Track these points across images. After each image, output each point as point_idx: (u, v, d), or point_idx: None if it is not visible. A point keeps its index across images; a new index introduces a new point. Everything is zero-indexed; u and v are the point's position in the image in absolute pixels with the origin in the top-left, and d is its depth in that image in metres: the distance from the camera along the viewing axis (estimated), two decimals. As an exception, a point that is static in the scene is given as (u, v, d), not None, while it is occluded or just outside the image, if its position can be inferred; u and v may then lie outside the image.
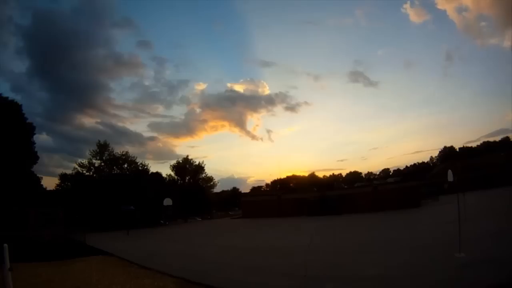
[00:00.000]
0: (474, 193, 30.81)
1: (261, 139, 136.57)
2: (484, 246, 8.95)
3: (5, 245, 5.65)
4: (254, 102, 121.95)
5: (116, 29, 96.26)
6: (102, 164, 41.69)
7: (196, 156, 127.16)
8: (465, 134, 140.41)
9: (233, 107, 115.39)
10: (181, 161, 53.71)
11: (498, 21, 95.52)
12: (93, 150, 41.58)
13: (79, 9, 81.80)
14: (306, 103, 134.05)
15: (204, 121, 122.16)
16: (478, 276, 6.09)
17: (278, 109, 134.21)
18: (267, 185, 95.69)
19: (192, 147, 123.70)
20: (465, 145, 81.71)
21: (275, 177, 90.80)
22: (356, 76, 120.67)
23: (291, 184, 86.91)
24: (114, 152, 42.83)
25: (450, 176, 11.17)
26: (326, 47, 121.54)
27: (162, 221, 41.08)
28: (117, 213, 32.30)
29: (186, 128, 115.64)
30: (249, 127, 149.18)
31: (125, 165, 43.12)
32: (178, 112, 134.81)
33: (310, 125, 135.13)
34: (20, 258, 10.63)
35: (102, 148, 42.00)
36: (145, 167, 44.74)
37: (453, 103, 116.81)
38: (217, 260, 11.29)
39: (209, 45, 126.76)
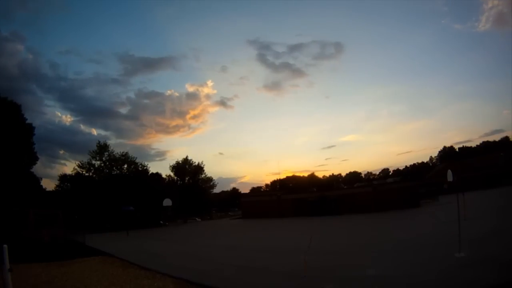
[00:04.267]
0: (474, 193, 30.89)
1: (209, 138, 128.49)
2: (484, 245, 8.95)
3: (5, 245, 5.64)
4: (177, 100, 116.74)
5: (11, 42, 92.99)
6: (102, 164, 41.69)
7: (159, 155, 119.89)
8: (458, 135, 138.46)
9: (160, 107, 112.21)
10: (180, 162, 53.77)
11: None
12: (92, 151, 41.56)
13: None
14: (236, 96, 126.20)
15: (142, 122, 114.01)
16: (478, 276, 6.10)
17: (211, 106, 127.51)
18: (266, 185, 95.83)
19: (161, 150, 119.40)
20: (464, 145, 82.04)
21: (260, 177, 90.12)
22: (272, 66, 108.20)
23: (290, 184, 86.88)
24: (114, 153, 42.89)
25: (449, 176, 11.19)
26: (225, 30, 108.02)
27: (161, 222, 41.08)
28: (116, 213, 32.31)
29: (133, 130, 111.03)
30: (194, 124, 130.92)
31: (125, 166, 43.11)
32: (121, 114, 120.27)
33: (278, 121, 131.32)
34: (20, 259, 10.64)
35: (102, 148, 41.99)
36: (145, 168, 44.75)
37: (443, 102, 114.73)
38: (217, 260, 11.28)
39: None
